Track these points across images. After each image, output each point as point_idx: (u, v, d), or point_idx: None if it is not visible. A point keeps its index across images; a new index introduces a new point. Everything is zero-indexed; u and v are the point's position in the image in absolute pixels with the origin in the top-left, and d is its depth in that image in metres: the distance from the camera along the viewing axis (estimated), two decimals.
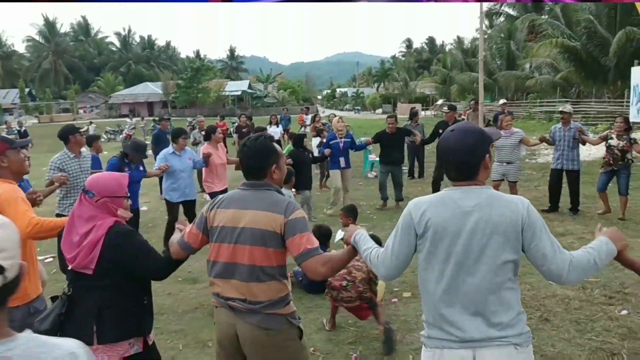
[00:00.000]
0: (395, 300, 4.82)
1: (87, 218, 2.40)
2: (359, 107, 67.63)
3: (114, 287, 2.38)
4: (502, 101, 15.82)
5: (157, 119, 22.31)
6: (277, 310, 2.30)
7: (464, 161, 1.96)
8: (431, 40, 73.84)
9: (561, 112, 7.77)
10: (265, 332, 2.27)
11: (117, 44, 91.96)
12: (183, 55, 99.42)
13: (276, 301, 2.30)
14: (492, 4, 38.27)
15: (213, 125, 7.85)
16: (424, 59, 69.35)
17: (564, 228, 6.90)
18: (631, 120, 12.09)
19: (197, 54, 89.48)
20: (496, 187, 7.43)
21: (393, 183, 8.88)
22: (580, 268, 1.91)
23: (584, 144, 7.61)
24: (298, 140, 8.42)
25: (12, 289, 1.17)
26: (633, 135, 7.42)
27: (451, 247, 1.92)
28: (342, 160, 8.48)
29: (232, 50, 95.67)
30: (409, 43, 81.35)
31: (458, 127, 2.05)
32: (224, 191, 6.93)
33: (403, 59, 76.85)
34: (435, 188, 8.66)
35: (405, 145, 9.39)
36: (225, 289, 2.32)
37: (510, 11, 37.02)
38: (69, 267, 2.42)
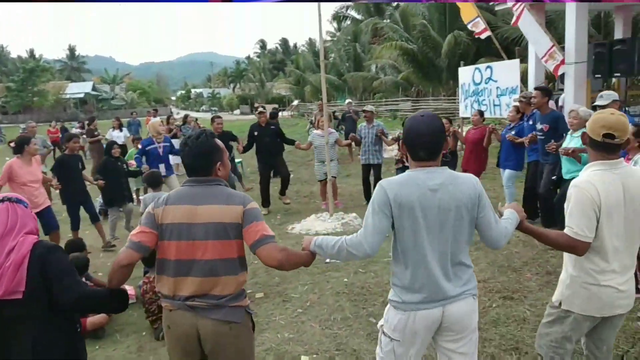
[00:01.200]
0: (249, 301, 4.73)
1: (6, 236, 2.13)
2: (216, 108, 66.58)
3: (47, 315, 2.11)
4: (347, 101, 16.59)
5: None
6: (239, 302, 2.35)
7: (435, 142, 2.24)
8: (284, 42, 75.01)
9: (364, 111, 8.58)
10: (228, 326, 2.30)
11: None
12: (14, 55, 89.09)
13: (238, 293, 2.35)
14: (338, 7, 40.10)
15: (26, 136, 7.04)
16: (278, 60, 70.24)
17: None
18: (460, 115, 13.45)
19: (31, 53, 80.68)
20: (324, 187, 8.29)
21: None
22: (507, 235, 2.37)
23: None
24: (107, 149, 7.76)
25: None
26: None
27: (423, 221, 2.19)
28: (161, 167, 7.82)
29: (71, 50, 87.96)
30: (263, 44, 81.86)
31: (426, 113, 2.34)
32: (46, 210, 6.33)
33: (258, 59, 77.13)
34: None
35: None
36: (183, 287, 2.28)
37: (356, 15, 39.05)
38: None
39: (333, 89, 36.06)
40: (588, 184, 2.42)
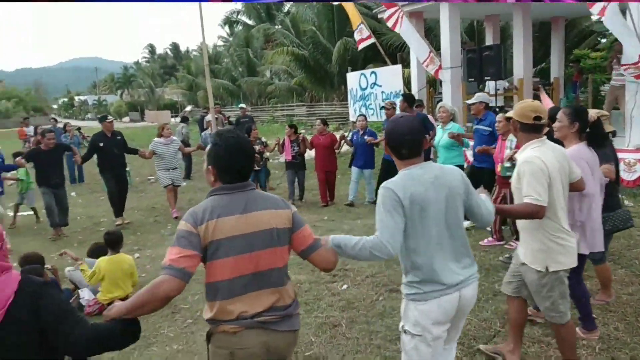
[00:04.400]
0: None
1: None
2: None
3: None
4: (241, 106, 16.51)
5: None
6: (298, 309, 2.29)
7: (418, 139, 2.40)
8: (175, 46, 72.76)
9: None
10: (294, 335, 2.23)
11: None
12: None
13: (296, 301, 2.27)
14: (228, 12, 39.70)
15: None
16: (169, 65, 67.99)
17: None
18: (351, 119, 13.89)
19: None
20: (170, 192, 8.68)
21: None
22: (492, 213, 2.62)
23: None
24: None
25: None
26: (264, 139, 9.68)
27: (431, 213, 2.33)
28: None
29: None
30: (152, 49, 78.80)
31: (404, 115, 2.59)
32: None
33: (147, 64, 74.14)
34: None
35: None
36: (255, 304, 2.09)
37: (247, 20, 38.87)
38: None
39: (227, 94, 35.63)
40: (536, 158, 2.86)
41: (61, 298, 1.85)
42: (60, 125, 16.18)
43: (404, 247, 2.38)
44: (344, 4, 12.89)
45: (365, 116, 9.27)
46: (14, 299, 1.72)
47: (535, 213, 2.82)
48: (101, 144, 8.17)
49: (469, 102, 6.74)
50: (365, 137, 8.42)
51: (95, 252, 5.31)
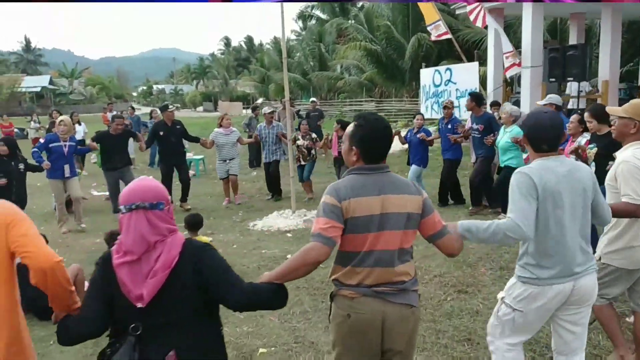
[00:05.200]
0: None
1: (155, 240, 1.92)
2: (179, 105, 65.55)
3: (192, 320, 1.96)
4: (312, 100, 16.67)
5: None
6: (417, 286, 2.37)
7: (558, 134, 2.54)
8: (249, 40, 74.44)
9: (268, 113, 9.42)
10: (411, 311, 2.30)
11: None
12: None
13: (415, 279, 2.36)
14: (303, 6, 40.15)
15: None
16: (243, 57, 69.68)
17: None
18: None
19: None
20: (226, 184, 9.02)
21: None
22: (610, 213, 2.75)
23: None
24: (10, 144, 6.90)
25: None
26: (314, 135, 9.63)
27: (561, 203, 2.45)
28: (66, 168, 7.41)
29: (27, 42, 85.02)
30: (227, 41, 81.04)
31: (548, 110, 2.80)
32: None
33: (222, 57, 76.37)
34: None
35: None
36: (376, 277, 2.24)
37: (321, 14, 39.17)
38: (138, 305, 1.89)
39: (298, 88, 36.07)
40: (633, 157, 2.93)
41: (220, 257, 2.03)
42: (138, 113, 16.95)
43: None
44: (419, 3, 12.68)
45: (422, 115, 9.05)
46: (179, 259, 1.91)
47: (633, 212, 2.86)
48: (161, 133, 8.48)
49: (541, 102, 6.59)
50: (418, 134, 8.13)
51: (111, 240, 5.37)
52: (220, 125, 8.96)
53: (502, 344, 2.69)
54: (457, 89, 11.76)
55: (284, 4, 7.21)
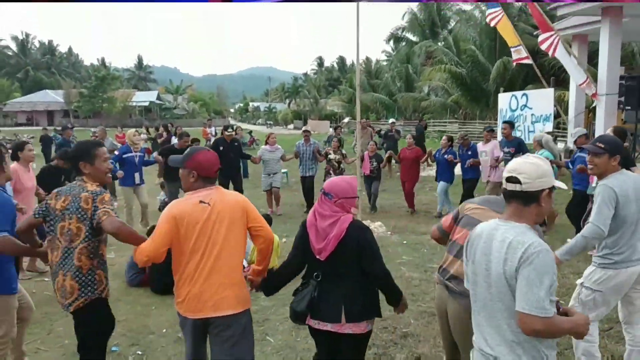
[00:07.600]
0: None
1: (327, 215, 2.81)
2: (271, 122, 68.45)
3: (356, 275, 2.78)
4: (391, 120, 17.36)
5: (59, 128, 21.65)
6: None
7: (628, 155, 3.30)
8: (342, 60, 76.24)
9: (304, 131, 10.24)
10: (468, 315, 2.36)
11: (14, 48, 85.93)
12: (87, 63, 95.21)
13: None
14: (394, 28, 40.98)
15: (23, 141, 7.03)
16: (335, 77, 71.35)
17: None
18: (498, 139, 13.92)
19: (102, 61, 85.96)
20: (269, 196, 10.02)
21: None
22: None
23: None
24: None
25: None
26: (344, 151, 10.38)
27: (631, 207, 3.17)
28: (136, 175, 8.36)
29: (139, 59, 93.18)
30: (320, 61, 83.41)
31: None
32: None
33: (315, 76, 78.68)
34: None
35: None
36: (454, 266, 2.84)
37: (411, 37, 39.80)
38: (318, 257, 2.80)
39: (383, 108, 36.80)
40: None
41: (374, 238, 2.84)
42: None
43: (613, 225, 3.20)
44: (499, 27, 13.04)
45: (448, 137, 9.73)
46: (346, 233, 2.75)
47: None
48: (221, 148, 9.32)
49: (575, 133, 7.38)
50: (446, 155, 9.23)
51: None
52: (267, 143, 9.97)
53: None
54: (532, 114, 11.93)
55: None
